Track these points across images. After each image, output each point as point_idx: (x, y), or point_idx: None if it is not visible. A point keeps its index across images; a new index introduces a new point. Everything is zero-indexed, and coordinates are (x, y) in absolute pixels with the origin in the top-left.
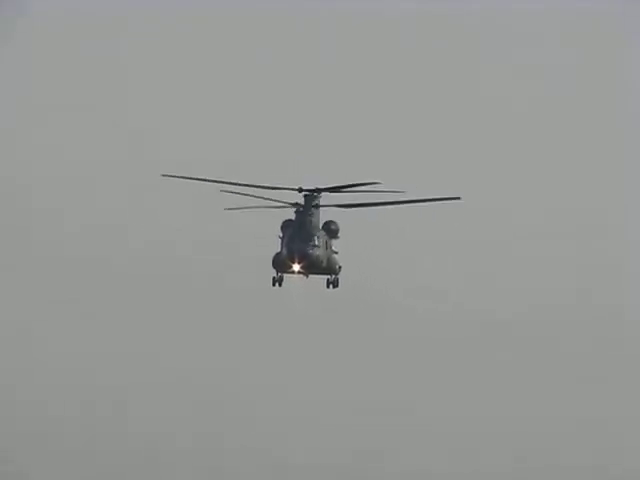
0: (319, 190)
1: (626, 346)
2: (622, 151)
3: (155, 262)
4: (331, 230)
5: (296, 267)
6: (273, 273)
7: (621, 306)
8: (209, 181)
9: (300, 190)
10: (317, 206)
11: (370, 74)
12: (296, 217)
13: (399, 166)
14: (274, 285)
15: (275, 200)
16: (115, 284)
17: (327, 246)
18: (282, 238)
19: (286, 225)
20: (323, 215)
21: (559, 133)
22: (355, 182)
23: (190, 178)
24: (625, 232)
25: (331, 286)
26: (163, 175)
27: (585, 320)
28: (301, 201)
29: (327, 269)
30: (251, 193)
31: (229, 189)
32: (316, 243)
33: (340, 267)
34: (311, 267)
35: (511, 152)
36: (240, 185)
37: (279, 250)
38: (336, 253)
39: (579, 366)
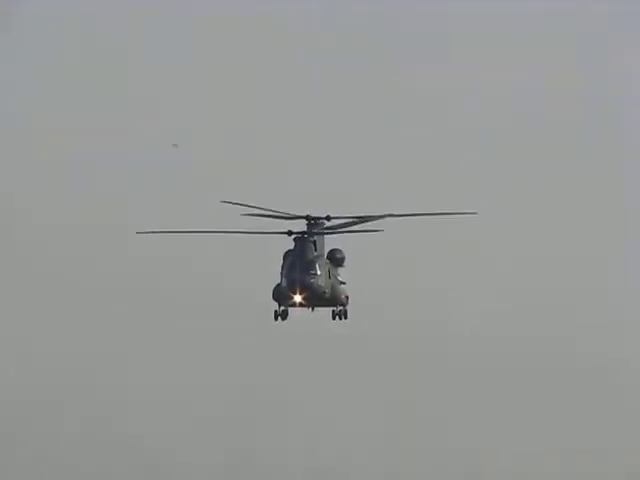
0: (329, 218)
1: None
2: (623, 155)
3: (144, 294)
4: (336, 258)
5: (297, 298)
6: (275, 306)
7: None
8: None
9: (307, 218)
10: (319, 233)
11: (367, 77)
12: (295, 245)
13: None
14: (276, 319)
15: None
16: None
17: (330, 275)
18: (282, 268)
19: (287, 255)
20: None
21: (559, 137)
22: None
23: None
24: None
25: (337, 317)
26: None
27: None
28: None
29: (332, 300)
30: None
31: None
32: (317, 272)
33: (347, 297)
34: (314, 298)
35: (512, 154)
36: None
37: (279, 281)
38: (343, 283)
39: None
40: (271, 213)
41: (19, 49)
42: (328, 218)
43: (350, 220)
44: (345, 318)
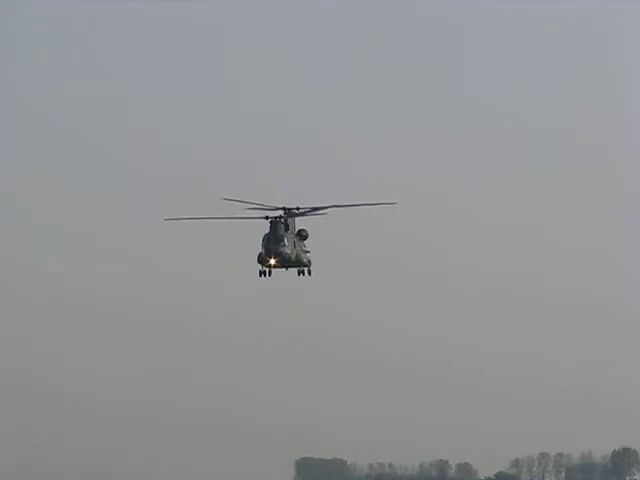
0: (298, 208)
1: None
2: (622, 156)
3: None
4: (302, 235)
5: (272, 261)
6: (259, 267)
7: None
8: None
9: (284, 209)
10: (290, 216)
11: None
12: (271, 225)
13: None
14: (260, 276)
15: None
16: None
17: (295, 245)
18: (262, 241)
19: (266, 233)
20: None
21: (558, 137)
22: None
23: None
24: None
25: (301, 274)
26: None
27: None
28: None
29: (297, 262)
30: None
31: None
32: (285, 243)
33: (310, 261)
34: (283, 261)
35: (510, 152)
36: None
37: (261, 250)
38: (308, 252)
39: None
40: (259, 206)
41: None
42: (297, 208)
43: (309, 208)
44: (309, 274)
